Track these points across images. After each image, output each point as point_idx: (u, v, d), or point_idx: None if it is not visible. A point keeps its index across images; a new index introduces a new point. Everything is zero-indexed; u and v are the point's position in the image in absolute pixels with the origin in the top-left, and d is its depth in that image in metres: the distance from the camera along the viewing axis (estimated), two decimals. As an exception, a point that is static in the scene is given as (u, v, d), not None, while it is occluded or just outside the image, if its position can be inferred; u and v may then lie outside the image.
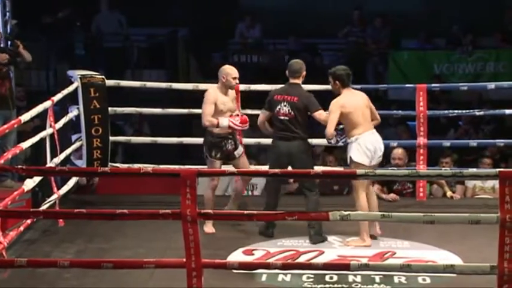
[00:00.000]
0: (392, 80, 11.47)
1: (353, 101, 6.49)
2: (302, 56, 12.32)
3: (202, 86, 8.38)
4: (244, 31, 12.74)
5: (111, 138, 7.87)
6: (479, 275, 5.09)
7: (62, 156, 7.26)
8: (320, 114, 6.55)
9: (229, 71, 6.86)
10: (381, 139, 6.56)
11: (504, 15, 12.13)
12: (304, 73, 6.69)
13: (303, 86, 6.80)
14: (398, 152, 8.07)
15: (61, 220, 6.86)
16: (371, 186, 6.70)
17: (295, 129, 6.55)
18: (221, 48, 12.84)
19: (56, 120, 7.17)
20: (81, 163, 7.70)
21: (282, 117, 6.58)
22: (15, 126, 6.73)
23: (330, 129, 6.43)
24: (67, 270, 5.63)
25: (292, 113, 6.55)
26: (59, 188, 7.13)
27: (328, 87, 8.04)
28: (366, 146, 6.42)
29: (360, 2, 12.57)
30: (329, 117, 6.44)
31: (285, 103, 6.57)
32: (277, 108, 6.61)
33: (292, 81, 6.66)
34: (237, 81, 6.90)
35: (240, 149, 7.01)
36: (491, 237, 5.15)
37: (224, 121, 6.74)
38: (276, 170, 5.89)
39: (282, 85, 6.84)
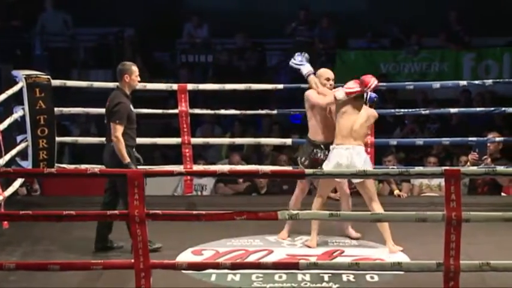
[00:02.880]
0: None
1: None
2: (249, 56, 12.41)
3: (149, 86, 8.36)
4: (191, 31, 12.71)
5: (58, 138, 7.78)
6: (426, 272, 5.15)
7: (7, 157, 7.15)
8: (112, 126, 6.17)
9: (322, 73, 6.66)
10: (362, 156, 6.34)
11: (449, 16, 12.31)
12: (125, 76, 6.33)
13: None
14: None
15: (5, 222, 6.74)
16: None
17: (107, 133, 6.32)
18: (168, 48, 12.80)
19: (0, 121, 7.06)
20: (27, 164, 7.60)
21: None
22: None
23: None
24: (13, 273, 5.55)
25: (105, 116, 6.35)
26: (3, 190, 7.03)
27: (276, 86, 8.14)
28: (336, 161, 6.29)
29: (307, 2, 12.63)
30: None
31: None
32: None
33: (117, 83, 6.44)
34: (331, 82, 6.62)
35: None
36: (437, 235, 5.22)
37: (339, 92, 6.41)
38: (225, 170, 5.89)
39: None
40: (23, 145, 7.58)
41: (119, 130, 6.16)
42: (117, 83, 6.48)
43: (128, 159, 6.16)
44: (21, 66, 8.26)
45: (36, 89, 7.51)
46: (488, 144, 8.09)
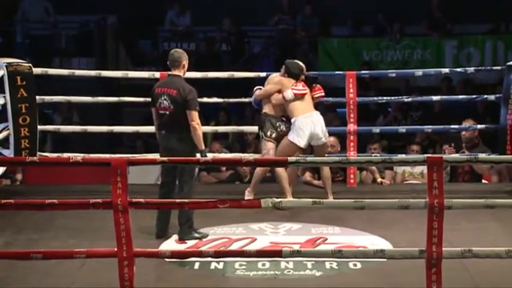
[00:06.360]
0: (322, 67, 11.55)
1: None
2: (232, 44, 12.38)
3: (131, 74, 8.33)
4: (174, 19, 12.66)
5: (40, 127, 7.74)
6: (408, 259, 5.17)
7: (-11, 146, 7.13)
8: (191, 114, 6.19)
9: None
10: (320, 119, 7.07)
11: (431, 4, 12.34)
12: (184, 63, 6.29)
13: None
14: (330, 139, 8.10)
15: (-12, 211, 6.72)
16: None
17: (174, 123, 6.27)
18: (151, 35, 12.74)
19: (-18, 110, 7.03)
20: (9, 153, 7.56)
21: (162, 112, 6.31)
22: None
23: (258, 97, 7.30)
24: (-5, 262, 5.52)
25: (172, 107, 6.25)
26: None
27: (259, 74, 8.13)
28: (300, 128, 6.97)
29: (289, -11, 12.62)
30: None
31: (165, 96, 6.27)
32: (158, 102, 6.33)
33: (172, 72, 6.35)
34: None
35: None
36: (420, 222, 5.24)
37: (288, 94, 7.13)
38: (208, 158, 5.88)
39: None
40: (4, 134, 7.55)
41: (197, 116, 6.23)
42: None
43: (203, 146, 6.25)
44: (2, 54, 8.22)
45: (18, 77, 7.47)
46: (464, 133, 8.14)
